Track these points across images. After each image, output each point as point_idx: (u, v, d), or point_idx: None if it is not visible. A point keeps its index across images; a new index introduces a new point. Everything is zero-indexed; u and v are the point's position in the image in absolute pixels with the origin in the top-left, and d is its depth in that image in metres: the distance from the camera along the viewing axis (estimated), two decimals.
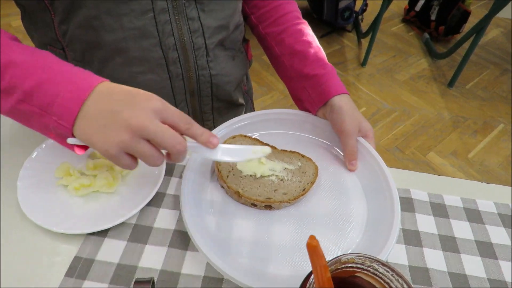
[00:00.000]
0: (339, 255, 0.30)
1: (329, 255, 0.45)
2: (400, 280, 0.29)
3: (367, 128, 0.57)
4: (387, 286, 0.30)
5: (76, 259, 0.43)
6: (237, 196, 0.50)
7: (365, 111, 1.94)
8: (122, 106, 0.37)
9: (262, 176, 0.52)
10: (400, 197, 0.52)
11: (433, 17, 2.47)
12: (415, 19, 2.62)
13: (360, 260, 0.30)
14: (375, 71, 2.23)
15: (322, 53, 0.61)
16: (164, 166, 0.52)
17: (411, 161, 1.69)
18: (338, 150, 0.60)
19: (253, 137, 0.58)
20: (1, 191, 0.49)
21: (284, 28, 0.63)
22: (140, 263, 0.43)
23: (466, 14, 2.35)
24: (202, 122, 0.68)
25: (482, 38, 1.95)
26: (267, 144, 0.57)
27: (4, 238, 0.45)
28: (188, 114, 0.64)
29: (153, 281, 0.36)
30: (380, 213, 0.49)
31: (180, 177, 0.54)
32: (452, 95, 2.11)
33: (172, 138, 0.37)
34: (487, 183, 0.59)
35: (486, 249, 0.50)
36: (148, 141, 0.37)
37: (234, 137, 0.57)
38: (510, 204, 0.56)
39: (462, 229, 0.52)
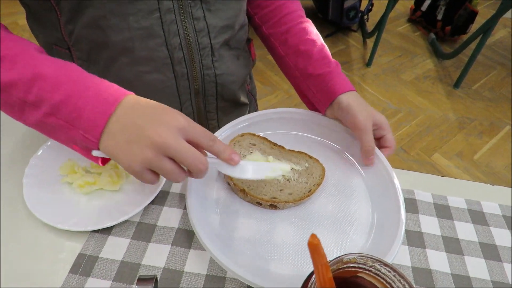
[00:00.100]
0: (341, 254, 0.30)
1: (332, 257, 0.45)
2: (402, 280, 0.29)
3: (381, 121, 0.57)
4: (389, 286, 0.30)
5: (80, 256, 0.44)
6: (243, 194, 0.50)
7: None
8: (146, 122, 0.37)
9: (269, 179, 0.52)
10: (404, 198, 0.52)
11: (439, 17, 2.45)
12: (421, 19, 2.61)
13: (362, 260, 0.30)
14: (381, 71, 2.22)
15: (326, 51, 0.61)
16: None
17: (416, 162, 1.68)
18: (345, 151, 0.59)
19: (261, 135, 0.58)
20: (7, 188, 0.50)
21: (288, 27, 0.63)
22: (144, 260, 0.44)
23: (473, 14, 2.34)
24: (207, 121, 0.68)
25: (489, 38, 1.93)
26: (275, 144, 0.57)
27: (10, 234, 0.45)
28: (193, 113, 0.64)
29: (156, 278, 0.37)
30: (385, 216, 0.49)
31: None
32: (458, 96, 2.09)
33: (194, 157, 0.38)
34: (492, 185, 0.59)
35: (490, 251, 0.49)
36: (171, 158, 0.38)
37: (242, 135, 0.57)
38: None
39: (466, 231, 0.52)
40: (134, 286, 0.37)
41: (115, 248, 0.45)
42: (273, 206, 0.50)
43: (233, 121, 0.59)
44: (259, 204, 0.50)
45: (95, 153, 0.40)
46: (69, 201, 0.48)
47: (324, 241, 0.47)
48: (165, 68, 0.56)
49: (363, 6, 2.46)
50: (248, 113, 0.75)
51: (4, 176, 0.51)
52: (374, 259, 0.30)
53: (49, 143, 0.54)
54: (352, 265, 0.31)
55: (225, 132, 0.57)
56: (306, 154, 0.56)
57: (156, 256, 0.44)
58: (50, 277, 0.42)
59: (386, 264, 0.30)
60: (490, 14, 1.86)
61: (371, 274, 0.31)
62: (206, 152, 0.42)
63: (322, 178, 0.53)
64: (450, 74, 2.24)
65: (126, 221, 0.47)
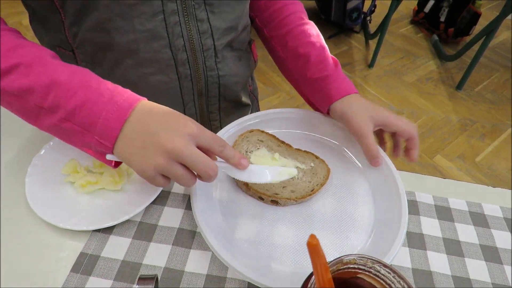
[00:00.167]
0: (341, 255, 0.30)
1: (332, 258, 0.45)
2: (401, 282, 0.29)
3: (383, 118, 0.54)
4: (388, 287, 0.30)
5: (82, 255, 0.44)
6: (246, 188, 0.51)
7: None
8: (160, 129, 0.39)
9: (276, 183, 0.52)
10: None
11: (442, 19, 2.45)
12: (424, 21, 2.60)
13: (362, 261, 0.30)
14: (383, 73, 2.22)
15: (325, 54, 0.60)
16: None
17: (418, 164, 1.68)
18: (348, 151, 0.59)
19: (269, 133, 0.59)
20: (10, 186, 0.50)
21: (288, 30, 0.63)
22: (145, 260, 0.44)
23: (476, 16, 2.33)
24: (209, 122, 0.69)
25: (492, 40, 1.92)
26: (283, 142, 0.57)
27: (12, 233, 0.46)
28: (195, 114, 0.65)
29: (157, 278, 0.37)
30: (387, 217, 0.49)
31: None
32: (460, 98, 2.09)
33: (204, 164, 0.39)
34: (493, 187, 0.59)
35: (491, 254, 0.49)
36: (182, 164, 0.39)
37: (251, 130, 0.58)
38: None
39: (467, 233, 0.51)
40: (135, 285, 0.38)
41: (116, 248, 0.45)
42: (275, 202, 0.50)
43: (244, 117, 0.59)
44: (261, 199, 0.50)
45: (109, 157, 0.41)
46: (71, 200, 0.48)
47: (324, 242, 0.48)
48: (169, 70, 0.56)
49: (365, 8, 2.46)
50: (250, 113, 0.75)
51: (7, 175, 0.52)
52: (374, 260, 0.30)
53: (52, 142, 0.54)
54: (352, 266, 0.31)
55: (233, 128, 0.58)
56: (312, 154, 0.56)
57: (157, 256, 0.44)
58: (52, 275, 0.42)
59: (386, 265, 0.30)
60: (494, 15, 1.86)
61: (371, 275, 0.31)
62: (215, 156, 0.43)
63: (326, 179, 0.53)
64: (452, 76, 2.23)
65: (127, 221, 0.48)
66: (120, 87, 0.42)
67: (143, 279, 0.35)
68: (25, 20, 2.16)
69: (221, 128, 0.58)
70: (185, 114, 0.62)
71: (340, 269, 0.31)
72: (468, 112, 2.00)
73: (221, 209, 0.50)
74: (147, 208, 0.49)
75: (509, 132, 1.89)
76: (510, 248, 0.50)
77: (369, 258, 0.30)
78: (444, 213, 0.54)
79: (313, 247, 0.25)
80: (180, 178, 0.40)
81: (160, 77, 0.56)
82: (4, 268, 0.42)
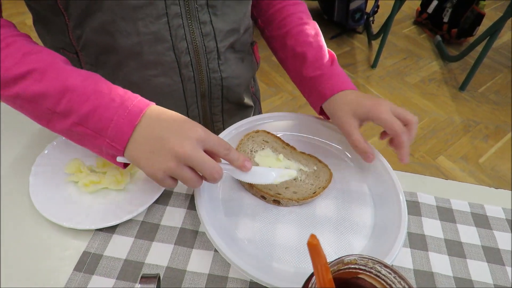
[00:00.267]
0: (342, 255, 0.30)
1: (333, 258, 0.45)
2: (402, 282, 0.29)
3: (365, 111, 0.51)
4: (389, 287, 0.30)
5: (85, 254, 0.44)
6: (249, 186, 0.51)
7: None
8: (169, 134, 0.41)
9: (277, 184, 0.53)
10: (406, 201, 0.52)
11: (445, 20, 2.44)
12: (427, 21, 2.60)
13: (363, 262, 0.31)
14: (385, 74, 2.22)
15: (322, 53, 0.60)
16: None
17: (420, 165, 1.68)
18: (350, 156, 0.59)
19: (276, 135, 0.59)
20: (14, 186, 0.50)
21: (287, 30, 0.63)
22: (147, 259, 0.44)
23: (480, 17, 2.32)
24: (212, 124, 0.69)
25: (495, 41, 1.92)
26: (288, 144, 0.58)
27: (16, 232, 0.46)
28: (198, 116, 0.65)
29: (159, 277, 0.37)
30: (388, 219, 0.49)
31: None
32: (463, 99, 2.08)
33: (211, 167, 0.41)
34: (496, 188, 0.59)
35: (493, 255, 0.49)
36: (190, 167, 0.41)
37: (257, 131, 0.58)
38: None
39: (469, 234, 0.51)
40: (137, 284, 0.38)
41: (119, 247, 0.45)
42: (277, 202, 0.51)
43: (247, 118, 0.60)
44: (263, 198, 0.51)
45: (119, 159, 0.43)
46: (74, 199, 0.49)
47: (325, 242, 0.48)
48: (172, 72, 0.56)
49: (368, 8, 2.46)
50: (253, 115, 0.76)
51: (11, 174, 0.52)
52: (375, 260, 0.30)
53: (55, 142, 0.54)
54: (352, 266, 0.31)
55: (235, 130, 0.58)
56: (316, 157, 0.57)
57: (159, 255, 0.45)
58: (55, 274, 0.42)
59: (386, 266, 0.30)
60: (497, 16, 1.85)
61: (372, 275, 0.31)
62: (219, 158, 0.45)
63: (328, 182, 0.53)
64: (455, 77, 2.23)
65: (130, 220, 0.48)
66: (130, 92, 0.43)
67: (145, 278, 0.35)
68: (29, 20, 2.17)
69: (224, 130, 0.59)
70: (188, 116, 0.62)
71: (341, 269, 0.31)
72: (471, 113, 1.99)
73: (224, 209, 0.50)
74: (149, 208, 0.50)
75: None
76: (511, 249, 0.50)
77: (370, 259, 0.30)
78: (446, 214, 0.54)
79: (314, 247, 0.26)
80: (188, 180, 0.42)
81: (164, 79, 0.56)
82: (7, 267, 0.43)
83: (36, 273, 0.42)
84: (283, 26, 0.64)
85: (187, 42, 0.54)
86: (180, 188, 0.53)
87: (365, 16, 2.42)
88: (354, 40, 2.48)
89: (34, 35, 0.58)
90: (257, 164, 0.53)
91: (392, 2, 2.04)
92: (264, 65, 2.14)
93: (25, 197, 0.49)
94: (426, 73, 2.24)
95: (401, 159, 0.51)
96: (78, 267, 0.43)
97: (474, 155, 1.75)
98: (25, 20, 2.18)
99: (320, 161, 0.57)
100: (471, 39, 2.40)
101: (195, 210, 0.48)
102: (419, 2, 2.64)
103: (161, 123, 0.42)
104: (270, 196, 0.50)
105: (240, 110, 0.72)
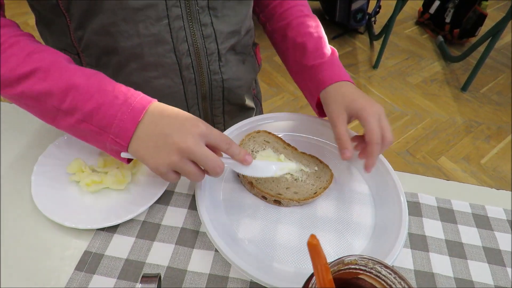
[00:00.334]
0: (342, 256, 0.30)
1: (333, 259, 0.45)
2: (402, 282, 0.29)
3: (357, 108, 0.50)
4: None
5: (86, 253, 0.44)
6: (250, 186, 0.51)
7: None
8: (172, 129, 0.42)
9: (277, 177, 0.53)
10: (407, 201, 0.52)
11: (447, 20, 2.44)
12: (429, 22, 2.59)
13: (363, 262, 0.31)
14: (387, 74, 2.21)
15: (323, 43, 0.60)
16: None
17: (422, 166, 1.67)
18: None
19: (277, 135, 0.59)
20: (16, 185, 0.51)
21: (287, 22, 0.63)
22: (148, 259, 0.44)
23: (482, 17, 2.32)
24: (213, 125, 0.69)
25: (498, 41, 1.91)
26: (289, 144, 0.58)
27: (17, 231, 0.46)
28: (200, 117, 0.65)
29: (160, 277, 0.37)
30: (388, 219, 0.50)
31: None
32: (465, 99, 2.08)
33: (213, 161, 0.42)
34: (497, 189, 0.58)
35: (494, 256, 0.49)
36: (193, 161, 0.42)
37: (259, 131, 0.59)
38: None
39: (470, 235, 0.51)
40: (138, 284, 0.38)
41: (120, 246, 0.45)
42: (278, 202, 0.51)
43: (249, 118, 0.60)
44: (264, 198, 0.51)
45: (123, 154, 0.44)
46: (76, 199, 0.49)
47: (326, 243, 0.48)
48: (173, 74, 0.56)
49: (370, 8, 2.45)
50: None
51: (13, 173, 0.52)
52: (375, 261, 0.30)
53: (57, 142, 0.55)
54: (353, 266, 0.31)
55: (236, 130, 0.58)
56: (317, 158, 0.57)
57: (160, 255, 0.45)
58: (56, 274, 0.43)
59: (387, 266, 0.30)
60: (500, 17, 1.85)
61: (372, 276, 0.31)
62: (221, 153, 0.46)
63: (329, 183, 0.53)
64: (457, 77, 2.22)
65: (131, 220, 0.48)
66: (132, 90, 0.44)
67: (146, 278, 0.35)
68: (31, 20, 2.17)
69: (225, 130, 0.59)
70: None
71: (341, 270, 0.31)
72: (473, 114, 1.98)
73: (225, 209, 0.50)
74: (150, 208, 0.50)
75: None
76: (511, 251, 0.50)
77: (370, 259, 0.30)
78: (447, 215, 0.54)
79: (313, 247, 0.26)
80: (191, 174, 0.43)
81: (164, 81, 0.57)
82: (8, 266, 0.43)
83: (37, 272, 0.43)
84: (284, 19, 0.64)
85: (188, 44, 0.54)
86: (181, 188, 0.53)
87: (367, 17, 2.42)
88: (355, 41, 2.48)
89: (36, 35, 0.59)
90: None
91: (394, 3, 2.04)
92: (266, 65, 2.14)
93: (27, 196, 0.49)
94: (428, 74, 2.24)
95: (366, 167, 0.50)
96: (79, 267, 0.43)
97: (476, 156, 1.74)
98: (28, 20, 2.19)
99: (321, 162, 0.57)
100: (473, 40, 2.39)
101: (196, 210, 0.48)
102: (421, 3, 2.63)
103: (164, 119, 0.42)
104: (271, 196, 0.50)
105: (241, 112, 0.72)
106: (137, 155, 0.43)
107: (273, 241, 0.47)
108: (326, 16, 2.51)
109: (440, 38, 2.46)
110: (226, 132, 0.58)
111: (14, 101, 0.46)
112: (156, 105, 0.44)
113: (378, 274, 0.31)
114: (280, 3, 0.65)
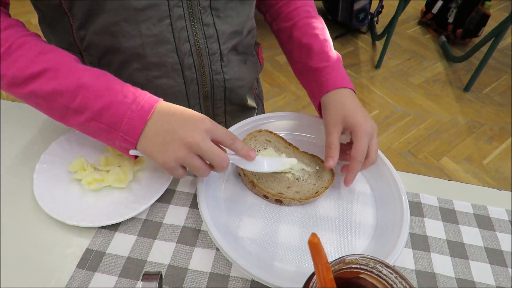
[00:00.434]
0: (343, 255, 0.30)
1: (334, 258, 0.45)
2: (403, 282, 0.29)
3: (353, 123, 0.52)
4: (390, 287, 0.30)
5: (88, 251, 0.44)
6: (251, 185, 0.51)
7: (378, 114, 1.92)
8: (179, 125, 0.43)
9: (279, 172, 0.53)
10: (409, 201, 0.52)
11: (450, 20, 2.43)
12: (431, 22, 2.58)
13: (364, 261, 0.31)
14: (389, 74, 2.21)
15: (328, 46, 0.60)
16: None
17: (424, 166, 1.67)
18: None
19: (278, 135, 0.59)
20: (18, 183, 0.51)
21: (294, 22, 0.63)
22: (149, 257, 0.45)
23: (485, 17, 2.31)
24: None
25: (501, 42, 1.90)
26: (290, 144, 0.58)
27: (19, 228, 0.46)
28: None
29: (161, 275, 0.37)
30: (389, 219, 0.49)
31: (190, 174, 0.55)
32: (468, 100, 2.07)
33: (219, 156, 0.43)
34: (499, 190, 0.58)
35: (495, 257, 0.49)
36: (199, 156, 0.43)
37: (260, 130, 0.59)
38: None
39: (471, 235, 0.51)
40: (139, 282, 0.38)
41: (122, 244, 0.45)
42: (279, 201, 0.51)
43: (251, 117, 0.60)
44: (265, 197, 0.51)
45: (132, 152, 0.45)
46: (77, 197, 0.49)
47: (327, 242, 0.48)
48: (175, 74, 0.57)
49: (373, 8, 2.45)
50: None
51: (15, 171, 0.52)
52: (376, 260, 0.30)
53: (60, 140, 0.55)
54: (354, 266, 0.31)
55: (237, 130, 0.59)
56: (318, 157, 0.57)
57: (161, 253, 0.45)
58: (58, 271, 0.43)
59: (388, 266, 0.30)
60: (503, 17, 1.84)
61: (373, 275, 0.31)
62: (225, 149, 0.47)
63: (331, 182, 0.53)
64: (460, 78, 2.21)
65: (132, 218, 0.48)
66: (139, 89, 0.45)
67: (147, 276, 0.35)
68: (34, 19, 2.17)
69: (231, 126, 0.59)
70: None
71: (342, 269, 0.31)
72: (475, 114, 1.98)
73: (226, 208, 0.50)
74: (152, 206, 0.50)
75: None
76: None
77: (371, 258, 0.30)
78: (448, 215, 0.53)
79: (314, 246, 0.26)
80: (198, 168, 0.44)
81: (167, 80, 0.57)
82: (10, 263, 0.43)
83: (39, 270, 0.43)
84: (290, 19, 0.64)
85: (190, 44, 0.54)
86: (183, 186, 0.53)
87: (369, 16, 2.42)
88: (358, 40, 2.47)
89: (39, 34, 0.59)
90: None
91: (397, 3, 2.04)
92: (268, 65, 2.14)
93: (29, 194, 0.49)
94: (431, 74, 2.23)
95: (345, 181, 0.52)
96: (81, 264, 0.43)
97: (478, 157, 1.74)
98: (31, 19, 2.19)
99: (322, 161, 0.56)
100: (476, 40, 2.39)
101: (198, 208, 0.48)
102: (424, 3, 2.63)
103: (171, 116, 0.44)
104: (272, 195, 0.50)
105: (243, 112, 0.72)
106: (146, 151, 0.44)
107: (274, 240, 0.47)
108: (328, 15, 2.51)
109: (443, 38, 2.45)
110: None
111: (23, 99, 0.47)
112: (163, 104, 0.45)
113: (379, 274, 0.31)
114: (287, 3, 0.65)
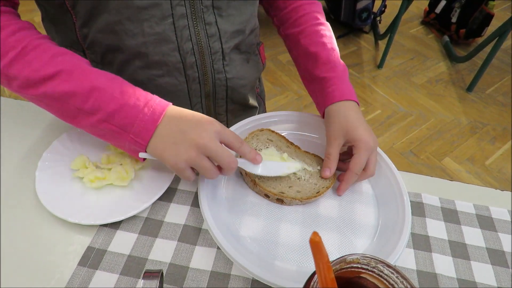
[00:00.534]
0: (344, 254, 0.30)
1: (336, 257, 0.45)
2: (405, 282, 0.29)
3: (356, 138, 0.52)
4: (391, 287, 0.30)
5: (89, 249, 0.45)
6: (253, 184, 0.51)
7: (380, 114, 1.92)
8: (189, 127, 0.44)
9: (284, 176, 0.53)
10: (411, 201, 0.52)
11: (453, 20, 2.42)
12: (435, 22, 2.58)
13: (365, 261, 0.30)
14: (392, 74, 2.20)
15: (336, 55, 0.60)
16: None
17: (426, 166, 1.67)
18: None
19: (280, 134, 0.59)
20: (20, 180, 0.51)
21: (301, 29, 0.63)
22: (150, 255, 0.45)
23: (489, 17, 2.30)
24: None
25: (504, 42, 1.89)
26: (292, 143, 0.58)
27: (21, 226, 0.46)
28: None
29: (162, 273, 0.37)
30: (391, 219, 0.49)
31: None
32: (470, 100, 2.06)
33: (228, 157, 0.44)
34: (502, 190, 0.58)
35: (497, 257, 0.49)
36: (208, 158, 0.44)
37: (262, 129, 0.59)
38: None
39: (473, 236, 0.51)
40: (140, 280, 0.38)
41: (123, 243, 0.46)
42: (280, 201, 0.51)
43: (253, 116, 0.60)
44: (266, 196, 0.51)
45: (142, 154, 0.46)
46: (79, 195, 0.49)
47: (328, 242, 0.48)
48: (177, 72, 0.57)
49: (376, 8, 2.44)
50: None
51: (17, 169, 0.53)
52: (377, 260, 0.30)
53: (62, 138, 0.55)
54: (355, 265, 0.31)
55: (239, 129, 0.59)
56: (320, 157, 0.57)
57: (162, 252, 0.45)
58: (60, 268, 0.43)
59: (389, 266, 0.30)
60: (507, 17, 1.83)
61: (374, 275, 0.31)
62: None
63: (332, 182, 0.53)
64: (463, 78, 2.21)
65: (134, 216, 0.48)
66: (149, 93, 0.46)
67: (148, 274, 0.35)
68: (37, 17, 2.18)
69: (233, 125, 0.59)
70: None
71: (343, 268, 0.31)
72: (478, 115, 1.97)
73: (227, 206, 0.50)
74: (153, 204, 0.50)
75: None
76: None
77: (372, 258, 0.30)
78: (450, 215, 0.53)
79: (316, 244, 0.26)
80: (207, 170, 0.44)
81: (168, 79, 0.57)
82: (12, 261, 0.43)
83: (40, 267, 0.43)
84: (298, 25, 0.64)
85: (192, 43, 0.54)
86: (184, 185, 0.53)
87: (372, 16, 2.41)
88: (360, 40, 2.47)
89: (42, 32, 0.59)
90: None
91: (400, 2, 2.03)
92: (270, 64, 2.14)
93: (31, 192, 0.49)
94: (433, 74, 2.23)
95: (338, 190, 0.54)
96: (82, 262, 0.43)
97: (480, 157, 1.73)
98: (34, 17, 2.20)
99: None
100: (480, 40, 2.37)
101: (199, 207, 0.48)
102: (427, 2, 2.62)
103: (181, 119, 0.45)
104: (273, 194, 0.50)
105: (244, 111, 0.72)
106: (156, 153, 0.45)
107: (275, 240, 0.47)
108: (331, 15, 2.50)
109: (446, 38, 2.44)
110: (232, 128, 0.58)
111: (33, 100, 0.47)
112: (172, 107, 0.46)
113: (381, 273, 0.31)
114: (296, 9, 0.65)
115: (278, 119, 0.62)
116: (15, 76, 0.44)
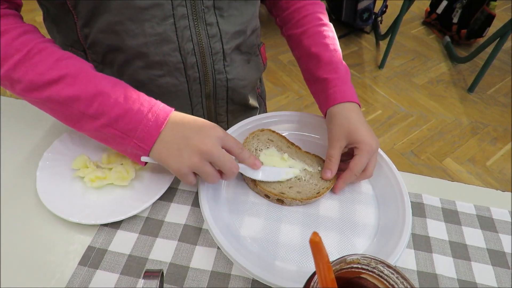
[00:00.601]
0: (344, 255, 0.30)
1: (336, 258, 0.45)
2: (405, 282, 0.29)
3: (358, 139, 0.52)
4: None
5: (90, 248, 0.45)
6: (253, 185, 0.52)
7: (381, 114, 1.92)
8: (192, 132, 0.45)
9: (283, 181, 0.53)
10: (411, 202, 0.52)
11: (455, 20, 2.42)
12: (436, 22, 2.57)
13: (365, 261, 0.30)
14: (393, 74, 2.20)
15: (338, 57, 0.60)
16: None
17: (427, 167, 1.66)
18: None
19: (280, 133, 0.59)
20: (21, 180, 0.51)
21: (304, 30, 0.63)
22: (151, 255, 0.45)
23: (490, 18, 2.29)
24: (216, 123, 0.69)
25: (506, 42, 1.89)
26: (292, 143, 0.58)
27: (22, 225, 0.47)
28: (203, 116, 0.65)
29: (163, 273, 0.37)
30: (391, 219, 0.49)
31: None
32: (471, 101, 2.06)
33: (230, 163, 0.45)
34: (503, 191, 0.58)
35: (498, 258, 0.49)
36: (210, 163, 0.45)
37: (262, 130, 0.59)
38: None
39: (474, 237, 0.51)
40: (140, 280, 0.38)
41: (124, 242, 0.46)
42: (280, 201, 0.51)
43: (253, 116, 0.60)
44: (267, 197, 0.51)
45: (144, 158, 0.46)
46: (80, 194, 0.49)
47: (328, 242, 0.48)
48: (178, 73, 0.57)
49: (377, 8, 2.44)
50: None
51: (18, 168, 0.53)
52: (377, 260, 0.30)
53: (63, 138, 0.55)
54: (355, 265, 0.31)
55: (239, 129, 0.59)
56: (320, 158, 0.57)
57: (163, 251, 0.45)
58: (60, 268, 0.43)
59: (389, 266, 0.30)
60: (508, 17, 1.83)
61: (374, 275, 0.31)
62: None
63: (333, 183, 0.53)
64: (464, 78, 2.20)
65: (134, 216, 0.48)
66: (153, 98, 0.47)
67: (149, 274, 0.35)
68: (39, 17, 2.18)
69: (229, 129, 0.59)
70: (192, 115, 0.63)
71: (343, 269, 0.31)
72: (479, 115, 1.97)
73: (228, 206, 0.50)
74: (154, 204, 0.50)
75: None
76: None
77: (373, 258, 0.30)
78: (451, 216, 0.53)
79: (316, 244, 0.26)
80: (210, 175, 0.45)
81: (169, 79, 0.57)
82: (13, 260, 0.43)
83: (41, 266, 0.43)
84: (301, 26, 0.64)
85: (193, 43, 0.54)
86: (185, 185, 0.53)
87: (373, 16, 2.41)
88: (361, 40, 2.46)
89: (43, 31, 0.59)
90: (262, 164, 0.53)
91: (401, 2, 2.03)
92: (271, 64, 2.14)
93: (32, 191, 0.50)
94: (434, 74, 2.22)
95: (334, 189, 0.54)
96: (83, 261, 0.43)
97: (481, 158, 1.73)
98: (35, 17, 2.20)
99: (324, 161, 0.56)
100: (481, 40, 2.37)
101: (199, 207, 0.48)
102: (428, 2, 2.61)
103: (184, 125, 0.45)
104: (273, 195, 0.50)
105: (245, 111, 0.72)
106: (160, 158, 0.45)
107: (275, 240, 0.47)
108: (332, 15, 2.50)
109: (447, 38, 2.44)
110: (230, 130, 0.58)
111: (37, 104, 0.47)
112: (176, 113, 0.46)
113: (381, 274, 0.31)
114: (298, 10, 0.65)
115: (279, 119, 0.62)
116: (19, 80, 0.44)
